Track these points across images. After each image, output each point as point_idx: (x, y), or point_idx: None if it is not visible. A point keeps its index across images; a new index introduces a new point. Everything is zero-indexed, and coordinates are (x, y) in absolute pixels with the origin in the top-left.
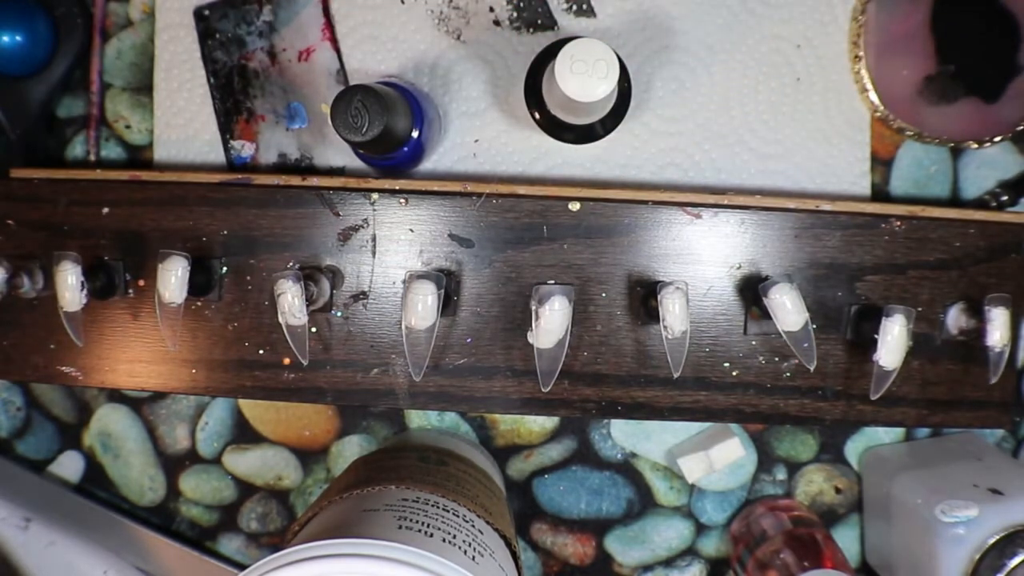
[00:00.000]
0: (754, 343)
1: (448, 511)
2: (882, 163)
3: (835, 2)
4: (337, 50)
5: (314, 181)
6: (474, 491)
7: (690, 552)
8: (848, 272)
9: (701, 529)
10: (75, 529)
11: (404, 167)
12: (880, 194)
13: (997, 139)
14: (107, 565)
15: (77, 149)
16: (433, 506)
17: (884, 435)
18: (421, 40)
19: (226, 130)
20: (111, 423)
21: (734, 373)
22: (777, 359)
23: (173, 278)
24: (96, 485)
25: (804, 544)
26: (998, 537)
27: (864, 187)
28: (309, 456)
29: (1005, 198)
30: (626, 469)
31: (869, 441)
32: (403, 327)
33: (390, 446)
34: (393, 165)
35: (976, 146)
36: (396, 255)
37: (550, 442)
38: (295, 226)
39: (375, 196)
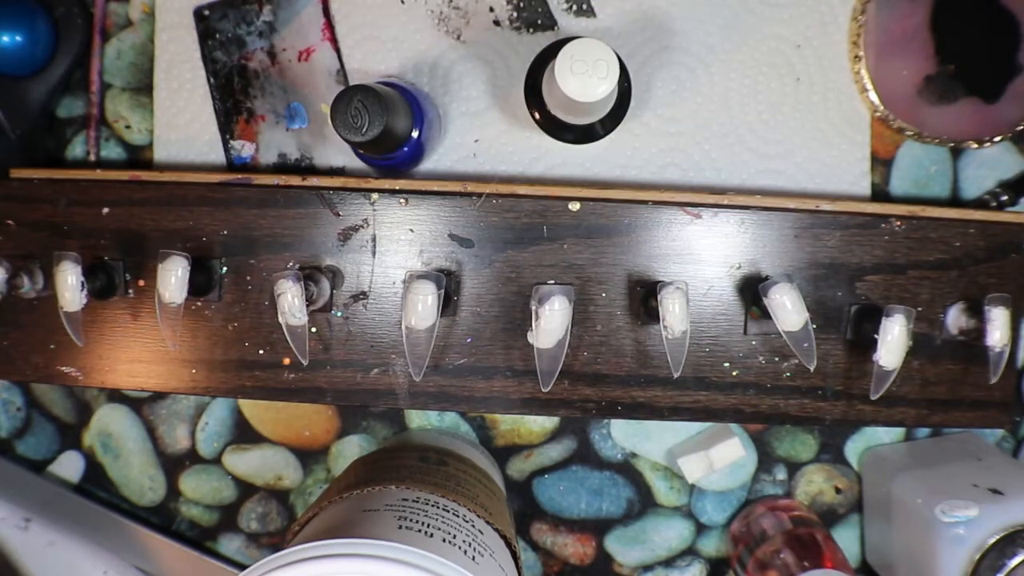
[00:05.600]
0: (754, 343)
1: (448, 511)
2: (882, 163)
3: (835, 2)
4: (337, 50)
5: (314, 181)
6: (474, 491)
7: (690, 552)
8: (848, 272)
9: (701, 529)
10: (75, 529)
11: (404, 167)
12: (880, 194)
13: (997, 139)
14: (107, 565)
15: (77, 149)
16: (433, 506)
17: (884, 435)
18: (421, 40)
19: (226, 130)
20: (111, 423)
21: (734, 373)
22: (777, 359)
23: (173, 278)
24: (96, 485)
25: (804, 544)
26: (998, 537)
27: (864, 187)
28: (309, 456)
29: (1005, 198)
30: (626, 469)
31: (869, 441)
32: (403, 327)
33: (390, 446)
34: (393, 165)
35: (976, 146)
36: (396, 255)
37: (550, 442)
38: (295, 226)
39: (375, 196)
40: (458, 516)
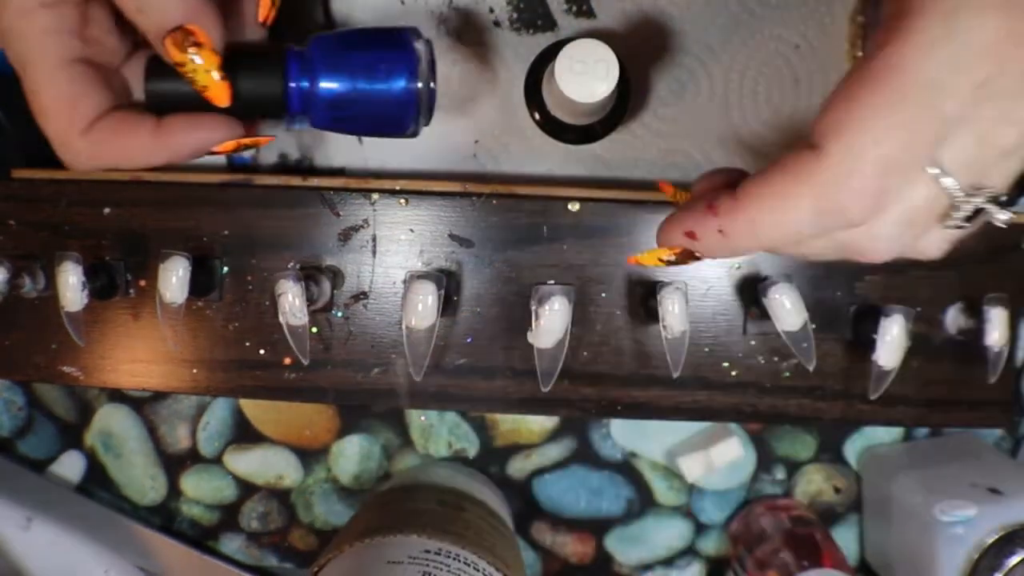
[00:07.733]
0: (753, 343)
1: (469, 564)
2: None
3: (835, 3)
4: None
5: (314, 182)
6: (491, 540)
7: (690, 552)
8: (847, 272)
9: (701, 529)
10: (76, 529)
11: (394, 131)
12: None
13: None
14: (108, 564)
15: None
16: (455, 559)
17: (883, 435)
18: None
19: None
20: (112, 423)
21: (733, 373)
22: (777, 359)
23: (174, 278)
24: (97, 485)
25: (803, 544)
26: (997, 536)
27: None
28: (310, 455)
29: (1004, 198)
30: (626, 469)
31: (868, 441)
32: (403, 327)
33: (406, 483)
34: (373, 129)
35: None
36: (396, 255)
37: (550, 442)
38: (296, 226)
39: (375, 196)
40: (479, 570)
